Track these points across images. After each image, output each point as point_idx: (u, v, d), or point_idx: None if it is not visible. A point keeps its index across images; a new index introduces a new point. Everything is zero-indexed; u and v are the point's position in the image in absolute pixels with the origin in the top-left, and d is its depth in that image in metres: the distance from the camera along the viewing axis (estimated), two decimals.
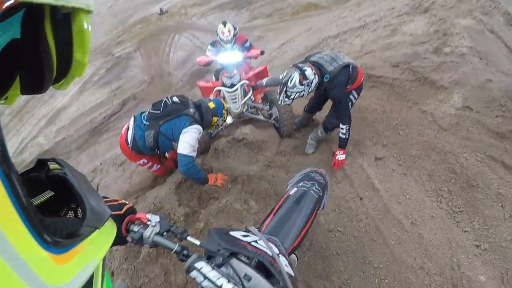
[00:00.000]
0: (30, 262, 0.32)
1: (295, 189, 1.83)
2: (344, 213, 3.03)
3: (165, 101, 3.17)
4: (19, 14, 0.40)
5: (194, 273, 0.93)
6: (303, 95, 3.09)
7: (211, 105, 3.27)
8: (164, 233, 1.17)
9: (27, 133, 7.17)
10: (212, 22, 10.66)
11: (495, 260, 2.59)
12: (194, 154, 3.03)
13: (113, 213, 1.08)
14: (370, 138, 3.79)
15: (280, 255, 1.16)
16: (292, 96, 3.07)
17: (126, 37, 10.40)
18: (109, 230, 0.59)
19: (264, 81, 3.67)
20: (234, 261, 1.01)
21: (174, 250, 1.07)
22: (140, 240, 1.15)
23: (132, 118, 3.23)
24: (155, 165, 3.54)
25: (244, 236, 1.21)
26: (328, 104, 3.66)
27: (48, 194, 0.65)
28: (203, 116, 3.18)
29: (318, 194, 1.78)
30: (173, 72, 7.88)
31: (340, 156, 3.41)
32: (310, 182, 1.86)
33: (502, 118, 3.52)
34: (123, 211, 1.16)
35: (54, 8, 0.39)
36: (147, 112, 3.17)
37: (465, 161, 3.21)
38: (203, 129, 3.17)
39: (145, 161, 3.43)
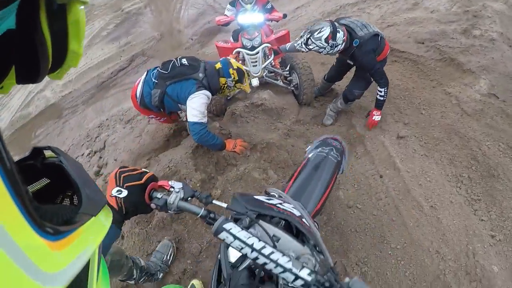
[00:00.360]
0: (26, 248, 0.32)
1: (314, 154, 1.85)
2: (363, 189, 3.01)
3: (174, 62, 3.07)
4: (14, 5, 0.40)
5: (223, 234, 0.91)
6: (322, 52, 3.02)
7: (217, 65, 3.09)
8: (189, 199, 1.17)
9: (33, 87, 6.91)
10: None
11: (508, 252, 2.60)
12: (204, 120, 2.94)
13: (134, 183, 1.12)
14: (392, 115, 3.71)
15: (304, 218, 1.15)
16: (311, 47, 3.00)
17: None
18: (105, 218, 0.59)
19: (288, 45, 3.53)
20: (262, 223, 1.01)
21: (200, 215, 1.07)
22: (164, 206, 1.14)
23: (145, 72, 3.16)
24: (162, 118, 3.51)
25: (268, 199, 1.20)
26: (349, 75, 3.57)
27: (44, 182, 0.65)
28: (209, 81, 3.04)
29: (337, 159, 1.81)
30: (183, 30, 7.60)
31: (377, 117, 3.44)
32: (328, 148, 1.88)
33: None
34: (143, 180, 1.15)
35: None
36: (157, 70, 3.09)
37: (487, 149, 3.16)
38: (212, 94, 3.07)
39: (153, 116, 3.41)
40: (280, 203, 1.18)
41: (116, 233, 1.09)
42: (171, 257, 2.63)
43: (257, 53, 3.83)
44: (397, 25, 5.17)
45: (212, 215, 1.06)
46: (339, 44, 2.93)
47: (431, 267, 2.50)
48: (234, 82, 3.11)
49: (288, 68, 4.13)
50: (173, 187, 1.18)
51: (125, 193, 1.08)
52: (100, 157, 4.22)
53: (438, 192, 2.95)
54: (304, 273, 0.82)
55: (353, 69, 3.55)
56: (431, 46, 4.47)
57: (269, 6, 4.13)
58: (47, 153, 0.64)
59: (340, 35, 2.91)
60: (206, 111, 2.95)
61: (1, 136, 0.30)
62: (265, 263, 0.85)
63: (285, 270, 0.83)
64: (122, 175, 1.14)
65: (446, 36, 4.50)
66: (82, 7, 0.45)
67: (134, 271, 2.32)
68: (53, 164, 0.63)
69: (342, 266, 2.54)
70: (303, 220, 1.12)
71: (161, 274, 2.58)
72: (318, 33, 2.89)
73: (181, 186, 1.19)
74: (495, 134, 3.29)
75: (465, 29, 4.49)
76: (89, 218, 0.50)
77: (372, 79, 3.30)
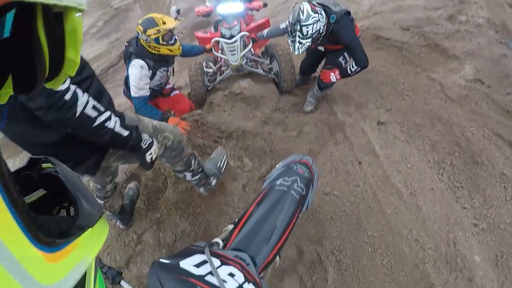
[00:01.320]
0: (23, 261, 0.32)
1: (273, 188, 1.57)
2: (341, 176, 2.89)
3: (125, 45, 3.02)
4: (11, 13, 0.39)
5: None
6: (320, 29, 2.80)
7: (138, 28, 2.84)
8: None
9: None
10: None
11: (491, 242, 2.48)
12: (142, 92, 2.86)
13: None
14: (374, 102, 3.57)
15: (245, 284, 1.02)
16: (309, 33, 2.78)
17: None
18: (101, 229, 0.58)
19: (265, 32, 3.43)
20: None
21: None
22: None
23: None
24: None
25: (199, 264, 1.03)
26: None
27: (40, 192, 0.65)
28: (136, 47, 2.87)
29: (301, 194, 1.55)
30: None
31: (333, 77, 3.14)
32: (291, 178, 1.60)
33: None
34: None
35: (46, 7, 0.38)
36: None
37: (471, 135, 3.04)
38: (146, 60, 2.87)
39: None
40: (210, 273, 1.02)
41: None
42: (225, 164, 2.66)
43: (235, 41, 3.69)
44: (384, 13, 5.07)
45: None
46: (322, 12, 2.79)
47: (410, 256, 2.38)
48: (144, 34, 2.77)
49: (269, 56, 4.00)
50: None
51: None
52: None
53: (419, 179, 2.81)
54: None
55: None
56: (416, 32, 4.37)
57: None
58: (44, 163, 0.65)
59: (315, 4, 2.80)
60: (142, 82, 2.84)
61: None
62: None
63: None
64: None
65: (431, 22, 4.42)
66: (79, 14, 0.43)
67: (193, 162, 2.35)
68: (49, 174, 0.63)
69: (316, 254, 2.42)
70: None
71: (214, 180, 2.61)
72: (302, 14, 2.73)
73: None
74: (480, 120, 3.16)
75: (451, 15, 4.41)
76: (86, 229, 0.50)
77: (349, 57, 3.13)
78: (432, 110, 3.36)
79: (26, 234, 0.34)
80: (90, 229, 0.52)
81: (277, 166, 1.79)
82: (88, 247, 0.51)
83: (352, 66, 2.98)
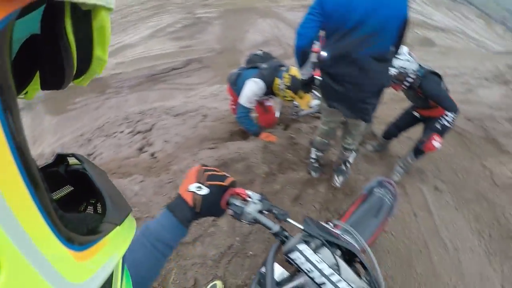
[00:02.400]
0: (52, 259, 0.34)
1: (372, 193, 2.12)
2: (398, 222, 3.75)
3: (253, 53, 4.05)
4: (40, 10, 0.42)
5: (295, 254, 1.02)
6: (407, 69, 3.50)
7: (285, 76, 3.67)
8: (265, 212, 1.21)
9: None
10: (298, 20, 10.87)
11: None
12: (249, 105, 3.69)
13: (217, 183, 1.14)
14: (431, 171, 4.53)
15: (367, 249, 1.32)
16: (398, 64, 3.48)
17: (213, 2, 10.99)
18: (129, 227, 0.60)
19: None
20: (325, 249, 1.08)
21: (274, 231, 1.13)
22: (239, 215, 1.17)
23: None
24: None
25: (331, 227, 1.28)
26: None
27: (68, 189, 0.68)
28: (267, 73, 3.71)
29: (391, 204, 2.07)
30: (244, 51, 8.36)
31: (436, 143, 3.61)
32: (384, 189, 2.13)
33: None
34: (227, 182, 1.18)
35: (74, 5, 0.41)
36: None
37: (509, 216, 3.98)
38: (268, 90, 3.77)
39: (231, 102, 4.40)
40: (342, 234, 1.28)
41: (183, 232, 1.08)
42: None
43: None
44: None
45: (285, 233, 1.13)
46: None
47: None
48: (285, 86, 3.63)
49: None
50: (250, 197, 1.22)
51: (205, 191, 1.09)
52: (144, 138, 4.98)
53: (462, 240, 3.70)
54: None
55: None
56: (477, 124, 5.48)
57: None
58: (71, 160, 0.67)
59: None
60: (254, 98, 3.69)
61: (24, 141, 0.31)
62: None
63: None
64: (206, 173, 1.16)
65: (493, 119, 5.56)
66: (108, 13, 0.47)
67: None
68: (76, 171, 0.66)
69: None
70: (367, 252, 1.28)
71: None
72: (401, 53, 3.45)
73: (260, 198, 1.22)
74: None
75: (511, 117, 5.48)
76: (114, 227, 0.52)
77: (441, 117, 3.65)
78: (479, 190, 4.32)
79: (55, 232, 0.35)
80: (118, 227, 0.53)
81: (371, 181, 2.34)
82: (115, 245, 0.50)
83: (447, 116, 3.55)
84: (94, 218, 0.51)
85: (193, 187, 1.08)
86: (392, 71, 3.48)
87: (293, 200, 3.68)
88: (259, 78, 3.69)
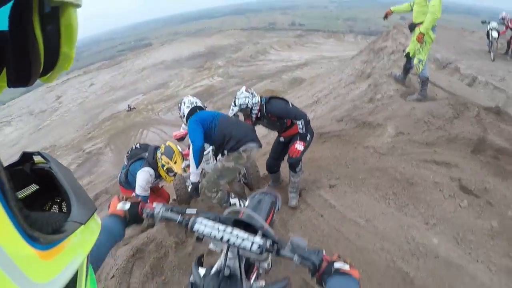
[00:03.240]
0: (16, 258, 0.35)
1: (252, 197, 2.44)
2: (309, 228, 3.98)
3: (132, 147, 4.61)
4: (7, 6, 0.43)
5: (197, 226, 1.40)
6: (248, 103, 4.19)
7: (161, 148, 4.47)
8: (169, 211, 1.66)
9: None
10: (178, 117, 11.60)
11: (445, 229, 3.57)
12: (145, 193, 4.19)
13: (132, 201, 1.65)
14: (325, 177, 4.92)
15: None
16: (239, 102, 4.19)
17: (96, 133, 11.60)
18: (94, 226, 0.63)
19: None
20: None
21: (178, 221, 1.55)
22: (152, 216, 1.64)
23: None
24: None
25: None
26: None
27: (33, 188, 0.70)
28: (149, 158, 4.36)
29: (272, 200, 2.38)
30: None
31: (299, 146, 4.13)
32: (263, 193, 2.46)
33: (428, 131, 4.94)
34: (139, 200, 1.70)
35: (42, 1, 0.43)
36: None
37: (402, 169, 4.41)
38: (155, 171, 4.34)
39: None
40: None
41: (122, 234, 1.53)
42: None
43: (208, 153, 4.98)
44: (323, 116, 7.03)
45: (186, 219, 1.52)
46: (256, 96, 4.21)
47: (380, 261, 3.35)
48: (160, 154, 4.37)
49: None
50: (155, 207, 1.67)
51: (128, 205, 1.60)
52: None
53: (370, 211, 3.99)
54: (258, 239, 1.32)
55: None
56: (347, 119, 6.19)
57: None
58: (37, 158, 0.71)
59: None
60: (147, 185, 4.20)
61: None
62: (229, 239, 1.32)
63: (244, 239, 1.31)
64: (125, 197, 1.68)
65: (357, 108, 6.38)
66: (76, 9, 0.49)
67: None
68: (42, 169, 0.69)
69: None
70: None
71: None
72: (240, 92, 4.20)
73: (162, 205, 1.68)
74: (407, 158, 4.62)
75: (370, 98, 6.40)
76: (78, 226, 0.53)
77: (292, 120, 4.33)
78: (370, 166, 4.78)
79: (19, 231, 0.36)
80: (82, 226, 0.55)
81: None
82: (80, 244, 0.53)
83: (299, 125, 4.17)
84: (59, 217, 0.54)
85: (120, 205, 1.60)
86: (235, 110, 4.26)
87: None
88: (146, 166, 4.29)
